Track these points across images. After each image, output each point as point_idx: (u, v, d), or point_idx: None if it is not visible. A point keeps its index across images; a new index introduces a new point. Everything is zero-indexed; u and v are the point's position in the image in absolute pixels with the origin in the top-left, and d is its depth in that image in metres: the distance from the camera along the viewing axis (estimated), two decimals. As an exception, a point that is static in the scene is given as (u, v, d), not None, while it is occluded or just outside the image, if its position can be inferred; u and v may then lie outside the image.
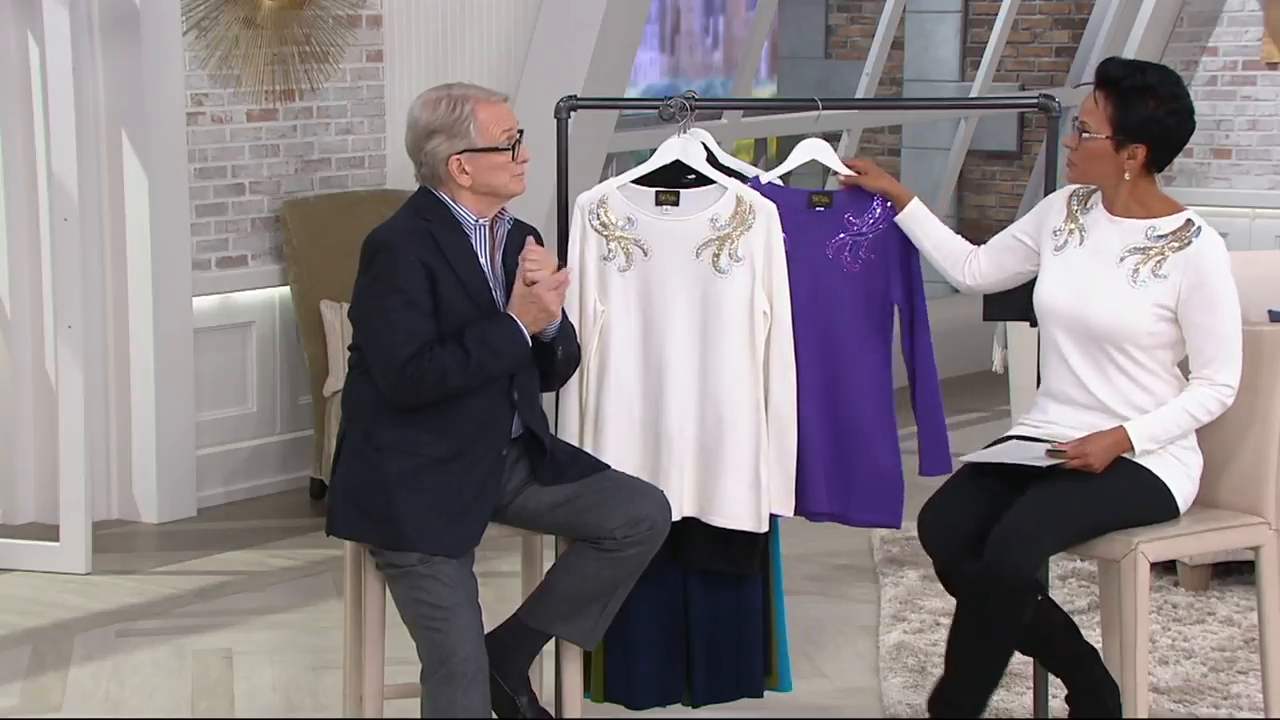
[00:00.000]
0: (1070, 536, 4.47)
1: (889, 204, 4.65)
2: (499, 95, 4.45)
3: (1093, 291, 4.44)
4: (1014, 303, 4.72)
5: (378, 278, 4.35)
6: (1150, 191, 4.47)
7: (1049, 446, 4.45)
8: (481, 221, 4.44)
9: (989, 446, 4.59)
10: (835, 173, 4.75)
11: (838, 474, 4.69)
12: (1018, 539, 4.36)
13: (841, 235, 4.66)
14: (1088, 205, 4.53)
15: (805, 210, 4.68)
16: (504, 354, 4.34)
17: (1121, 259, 4.43)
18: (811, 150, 4.79)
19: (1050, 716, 5.03)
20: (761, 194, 4.64)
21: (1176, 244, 4.40)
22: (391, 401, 4.34)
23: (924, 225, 4.68)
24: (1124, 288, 4.41)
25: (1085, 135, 4.41)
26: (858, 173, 4.72)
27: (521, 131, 4.46)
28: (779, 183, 4.75)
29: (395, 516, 4.32)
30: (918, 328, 4.68)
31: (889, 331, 4.69)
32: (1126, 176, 4.43)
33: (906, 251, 4.67)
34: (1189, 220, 4.44)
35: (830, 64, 12.74)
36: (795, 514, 4.72)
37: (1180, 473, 4.52)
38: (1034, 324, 4.66)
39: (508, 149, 4.40)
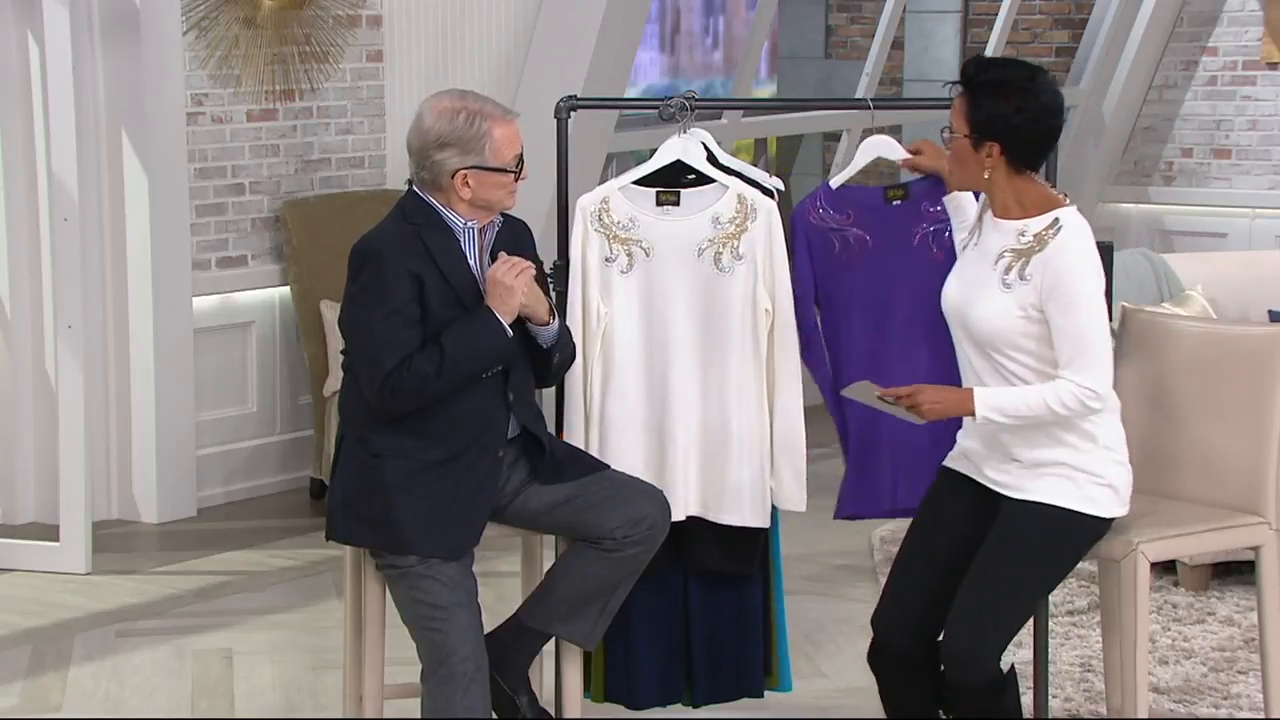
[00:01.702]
0: (1020, 619, 4.34)
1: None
2: (513, 113, 4.44)
3: (973, 294, 4.32)
4: None
5: (364, 288, 4.34)
6: (1028, 190, 4.30)
7: (878, 392, 4.32)
8: (470, 224, 4.44)
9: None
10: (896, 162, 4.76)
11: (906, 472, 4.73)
12: (972, 650, 4.25)
13: (923, 225, 4.67)
14: (986, 207, 4.42)
15: (883, 206, 4.68)
16: (482, 346, 4.32)
17: (996, 261, 4.29)
18: (877, 148, 4.75)
19: (1050, 717, 5.03)
20: (833, 198, 4.67)
21: (1039, 245, 4.24)
22: (381, 413, 4.33)
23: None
24: (996, 291, 4.27)
25: (949, 136, 4.32)
26: (915, 153, 4.72)
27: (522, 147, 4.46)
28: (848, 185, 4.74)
29: (393, 521, 4.32)
30: None
31: None
32: (986, 175, 4.26)
33: None
34: (1055, 219, 4.26)
35: (830, 64, 12.73)
36: (848, 516, 4.80)
37: (1076, 487, 4.30)
38: None
39: (514, 171, 4.40)
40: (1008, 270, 4.26)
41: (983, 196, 4.44)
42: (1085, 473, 4.30)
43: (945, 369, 4.51)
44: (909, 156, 4.71)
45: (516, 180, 4.42)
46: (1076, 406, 4.22)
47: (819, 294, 4.72)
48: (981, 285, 4.30)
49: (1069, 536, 4.32)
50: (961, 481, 4.41)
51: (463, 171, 4.36)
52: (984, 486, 4.37)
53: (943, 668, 4.35)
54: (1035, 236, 4.25)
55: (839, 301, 4.72)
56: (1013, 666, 4.45)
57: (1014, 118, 4.21)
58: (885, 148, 4.74)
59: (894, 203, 4.67)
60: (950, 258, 4.55)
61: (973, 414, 4.26)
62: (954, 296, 4.38)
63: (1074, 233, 4.24)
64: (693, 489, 4.65)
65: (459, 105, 4.38)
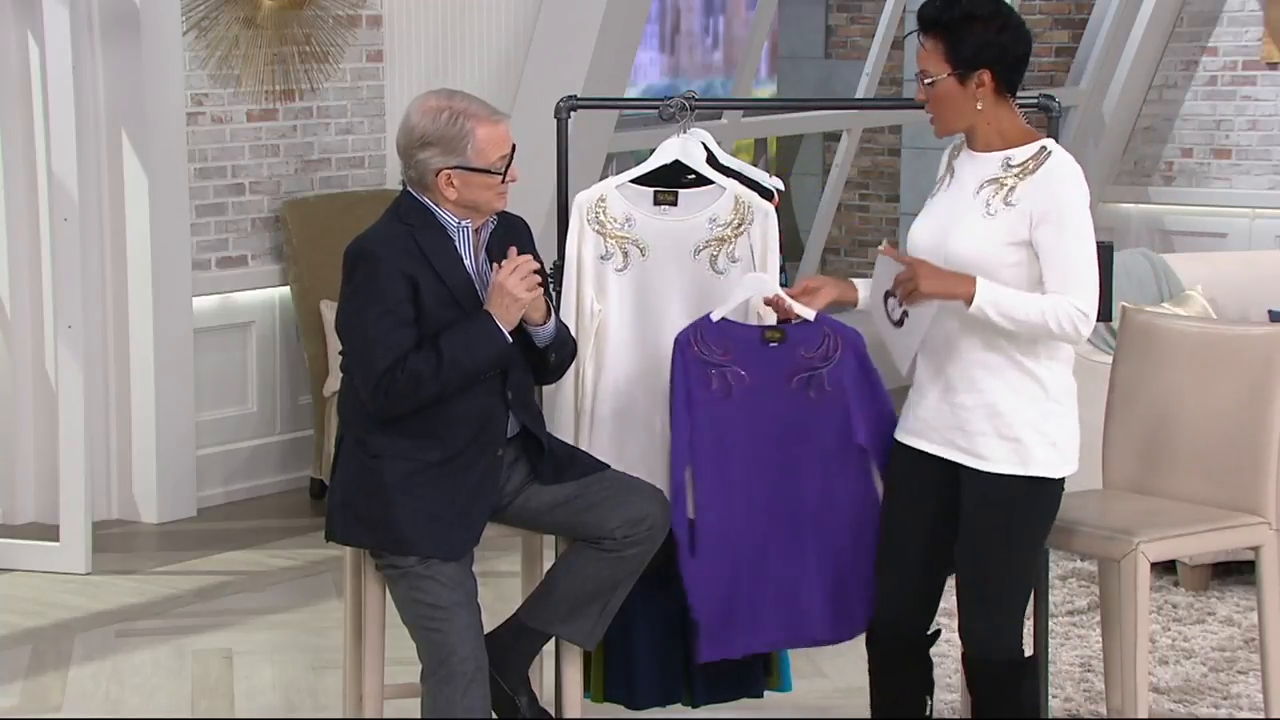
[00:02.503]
0: (1024, 589, 4.39)
1: (838, 336, 4.50)
2: (501, 115, 4.41)
3: (951, 226, 4.31)
4: None
5: (357, 289, 4.34)
6: (1010, 121, 4.32)
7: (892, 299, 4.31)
8: (464, 224, 4.43)
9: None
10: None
11: (790, 606, 4.61)
12: (993, 628, 4.33)
13: (801, 372, 4.52)
14: (958, 152, 4.44)
15: (760, 346, 4.52)
16: (480, 351, 4.32)
17: (977, 192, 4.31)
18: (753, 286, 4.57)
19: (1050, 717, 5.03)
20: (714, 331, 4.50)
21: (1026, 171, 4.27)
22: (376, 414, 4.33)
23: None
24: (977, 219, 4.27)
25: (928, 82, 4.30)
26: (805, 291, 4.51)
27: (514, 147, 4.44)
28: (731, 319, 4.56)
29: (392, 521, 4.32)
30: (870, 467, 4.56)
31: (859, 462, 4.54)
32: (980, 106, 4.28)
33: (866, 387, 4.53)
34: (1043, 147, 4.30)
35: (830, 64, 12.73)
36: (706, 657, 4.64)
37: (1027, 452, 4.27)
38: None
39: (499, 173, 4.39)
40: (990, 198, 4.27)
41: (950, 146, 4.46)
42: (1036, 432, 4.28)
43: (829, 504, 4.54)
44: (778, 296, 4.51)
45: (503, 182, 4.40)
46: (1069, 327, 4.20)
47: (694, 425, 4.53)
48: (959, 217, 4.31)
49: (1034, 503, 4.33)
50: (915, 455, 4.42)
51: (446, 171, 4.35)
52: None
53: (964, 651, 4.39)
54: (1021, 165, 4.27)
55: (714, 436, 4.55)
56: (1035, 655, 4.51)
57: (1001, 38, 4.25)
58: (759, 286, 4.52)
59: (770, 344, 4.50)
60: (828, 399, 4.49)
61: (970, 299, 4.20)
62: (925, 236, 4.35)
63: (1063, 158, 4.29)
64: (686, 492, 4.64)
65: (444, 104, 4.37)
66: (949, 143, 4.47)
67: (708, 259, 4.65)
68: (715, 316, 4.52)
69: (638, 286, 4.67)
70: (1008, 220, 4.24)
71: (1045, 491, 4.31)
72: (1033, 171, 4.26)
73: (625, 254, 4.67)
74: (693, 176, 4.69)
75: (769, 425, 4.53)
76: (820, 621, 4.60)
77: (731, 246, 4.63)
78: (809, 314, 4.46)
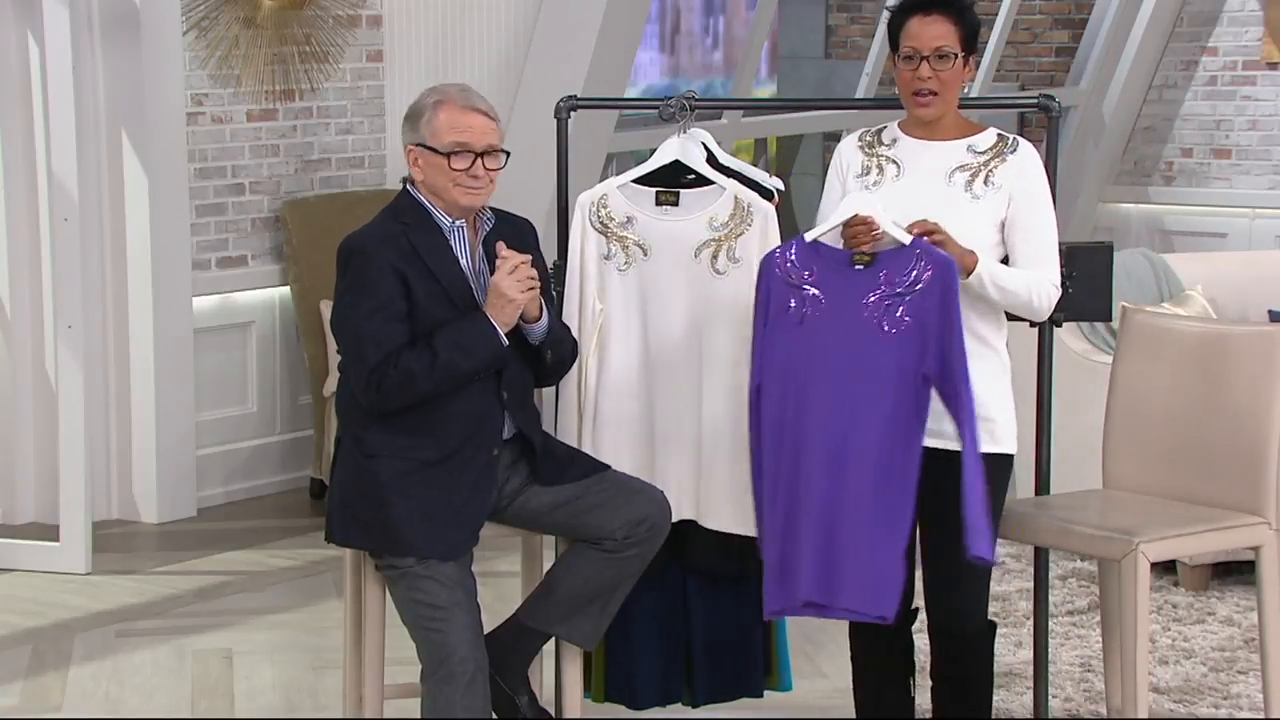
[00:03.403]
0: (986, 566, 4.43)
1: (929, 262, 4.30)
2: (477, 107, 4.39)
3: (931, 211, 4.34)
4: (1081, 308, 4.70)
5: (349, 285, 4.35)
6: (956, 109, 4.46)
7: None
8: (458, 223, 4.43)
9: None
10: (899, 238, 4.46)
11: (825, 561, 4.40)
12: (965, 600, 4.41)
13: (877, 290, 4.35)
14: (883, 139, 4.47)
15: (846, 269, 4.37)
16: (476, 352, 4.31)
17: (950, 178, 4.39)
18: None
19: (1050, 717, 5.03)
20: (804, 252, 4.39)
21: (1000, 156, 4.39)
22: (368, 409, 4.33)
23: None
24: (965, 204, 4.36)
25: (946, 57, 4.32)
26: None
27: (508, 154, 4.41)
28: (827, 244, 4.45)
29: (389, 522, 4.32)
30: (963, 397, 4.31)
31: (924, 410, 4.35)
32: (965, 89, 4.43)
33: (945, 315, 4.32)
34: (1000, 134, 4.43)
35: (830, 64, 12.73)
36: (770, 610, 4.48)
37: (993, 426, 4.38)
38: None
39: (445, 155, 4.36)
40: (970, 181, 4.37)
41: (844, 152, 4.50)
42: (1002, 410, 4.40)
43: (877, 439, 4.35)
44: (869, 218, 4.44)
45: (453, 168, 4.33)
46: (1045, 302, 4.40)
47: (767, 344, 4.44)
48: (940, 202, 4.36)
49: (1002, 477, 4.44)
50: None
51: (410, 148, 4.39)
52: None
53: (934, 622, 4.47)
54: (989, 150, 4.40)
55: (782, 360, 4.42)
56: (993, 621, 4.58)
57: (979, 27, 4.41)
58: (861, 206, 4.37)
59: (856, 267, 4.38)
60: (903, 335, 4.33)
61: (972, 268, 4.31)
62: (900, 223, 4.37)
63: (1029, 146, 4.44)
64: (686, 492, 4.65)
65: (434, 86, 4.46)
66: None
67: (708, 259, 4.65)
68: (809, 237, 4.42)
69: (639, 286, 4.67)
70: (993, 202, 4.37)
71: (1007, 465, 4.46)
72: (1007, 155, 4.39)
73: (627, 253, 4.67)
74: (693, 177, 4.69)
75: (834, 358, 4.37)
76: (852, 589, 4.38)
77: (732, 247, 4.63)
78: (904, 238, 4.33)
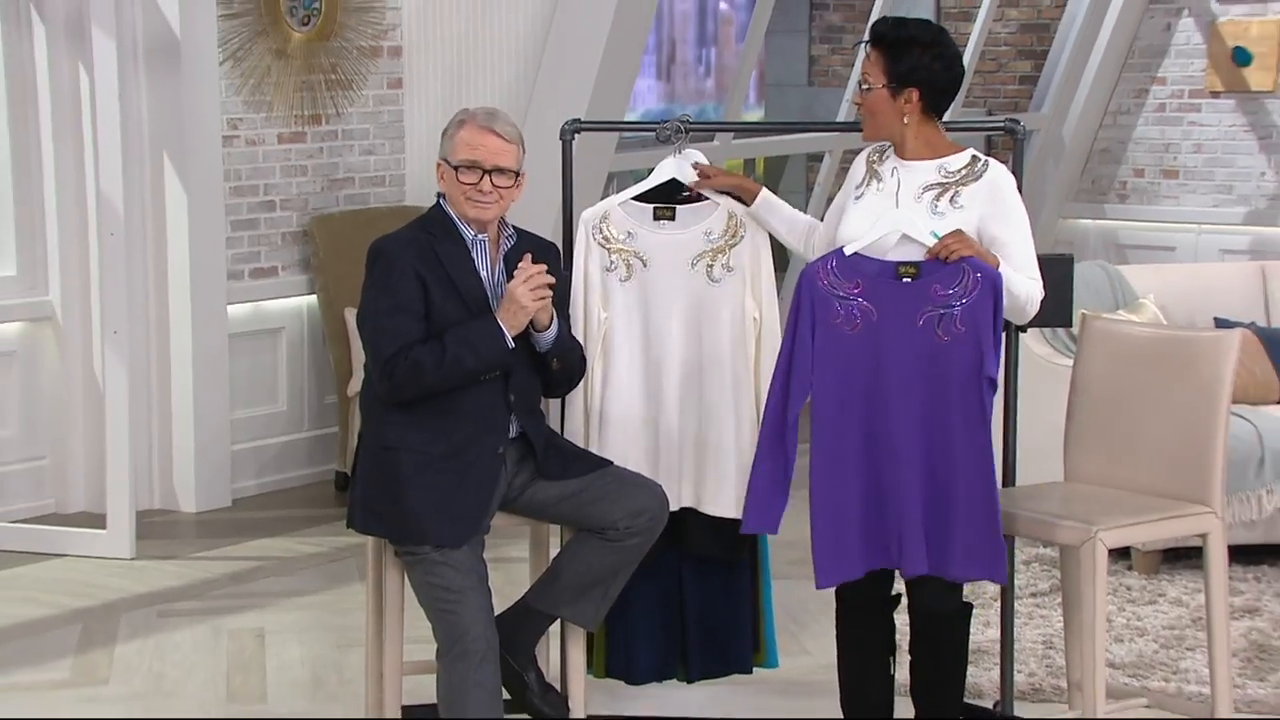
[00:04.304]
0: None
1: (978, 274, 4.27)
2: (495, 128, 4.36)
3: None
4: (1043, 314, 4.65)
5: (374, 283, 4.34)
6: (935, 135, 4.42)
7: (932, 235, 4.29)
8: (481, 236, 4.40)
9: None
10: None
11: (938, 540, 4.33)
12: (941, 587, 4.40)
13: (930, 307, 4.28)
14: (884, 158, 4.49)
15: (893, 281, 4.29)
16: (482, 351, 4.29)
17: (919, 196, 4.38)
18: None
19: (1015, 690, 5.00)
20: (845, 265, 4.31)
21: (970, 177, 4.37)
22: (383, 398, 4.31)
23: (776, 211, 4.63)
24: (925, 218, 4.34)
25: (866, 89, 4.38)
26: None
27: (519, 173, 4.38)
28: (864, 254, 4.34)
29: (403, 513, 4.30)
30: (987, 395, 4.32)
31: (989, 409, 4.31)
32: (906, 120, 4.38)
33: (997, 322, 4.29)
34: (974, 155, 4.41)
35: (813, 91, 12.70)
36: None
37: None
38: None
39: (454, 168, 4.34)
40: (937, 199, 4.36)
41: (860, 160, 4.51)
42: None
43: (936, 444, 4.30)
44: (696, 179, 4.62)
45: (463, 182, 4.32)
46: (1035, 304, 4.42)
47: (817, 356, 4.33)
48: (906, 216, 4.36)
49: None
50: None
51: (439, 161, 4.39)
52: None
53: (915, 604, 4.44)
54: (959, 171, 4.39)
55: (838, 369, 4.33)
56: (969, 603, 4.56)
57: (932, 65, 4.36)
58: (898, 223, 4.34)
59: (904, 279, 4.30)
60: (959, 339, 4.28)
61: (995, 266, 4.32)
62: (863, 232, 4.35)
63: (999, 165, 4.43)
64: (686, 482, 4.63)
65: (467, 108, 4.46)
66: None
67: (704, 269, 4.62)
68: (848, 250, 4.33)
69: (640, 295, 4.64)
70: (956, 219, 4.35)
71: None
72: (975, 178, 4.38)
73: (628, 265, 4.65)
74: (689, 193, 4.67)
75: (894, 363, 4.29)
76: (916, 557, 4.33)
77: (726, 257, 4.61)
78: (715, 196, 4.52)
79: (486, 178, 4.34)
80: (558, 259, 4.51)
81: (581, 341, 4.59)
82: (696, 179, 4.65)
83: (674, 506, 4.57)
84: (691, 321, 4.61)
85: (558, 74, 7.69)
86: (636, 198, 4.68)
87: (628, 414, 4.63)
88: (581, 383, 4.63)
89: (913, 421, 4.30)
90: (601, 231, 4.65)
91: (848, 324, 4.32)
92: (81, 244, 7.15)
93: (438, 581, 4.28)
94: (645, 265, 4.64)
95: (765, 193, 4.66)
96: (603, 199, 4.88)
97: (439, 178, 4.41)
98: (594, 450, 4.60)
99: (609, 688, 4.89)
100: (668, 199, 4.67)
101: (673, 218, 4.65)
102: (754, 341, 4.62)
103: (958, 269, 4.28)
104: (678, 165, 4.68)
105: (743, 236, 4.60)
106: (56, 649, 5.68)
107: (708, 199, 4.65)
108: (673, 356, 4.62)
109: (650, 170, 4.76)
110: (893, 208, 4.37)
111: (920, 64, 4.35)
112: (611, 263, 4.64)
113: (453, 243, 4.37)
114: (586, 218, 4.66)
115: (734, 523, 4.64)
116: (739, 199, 4.66)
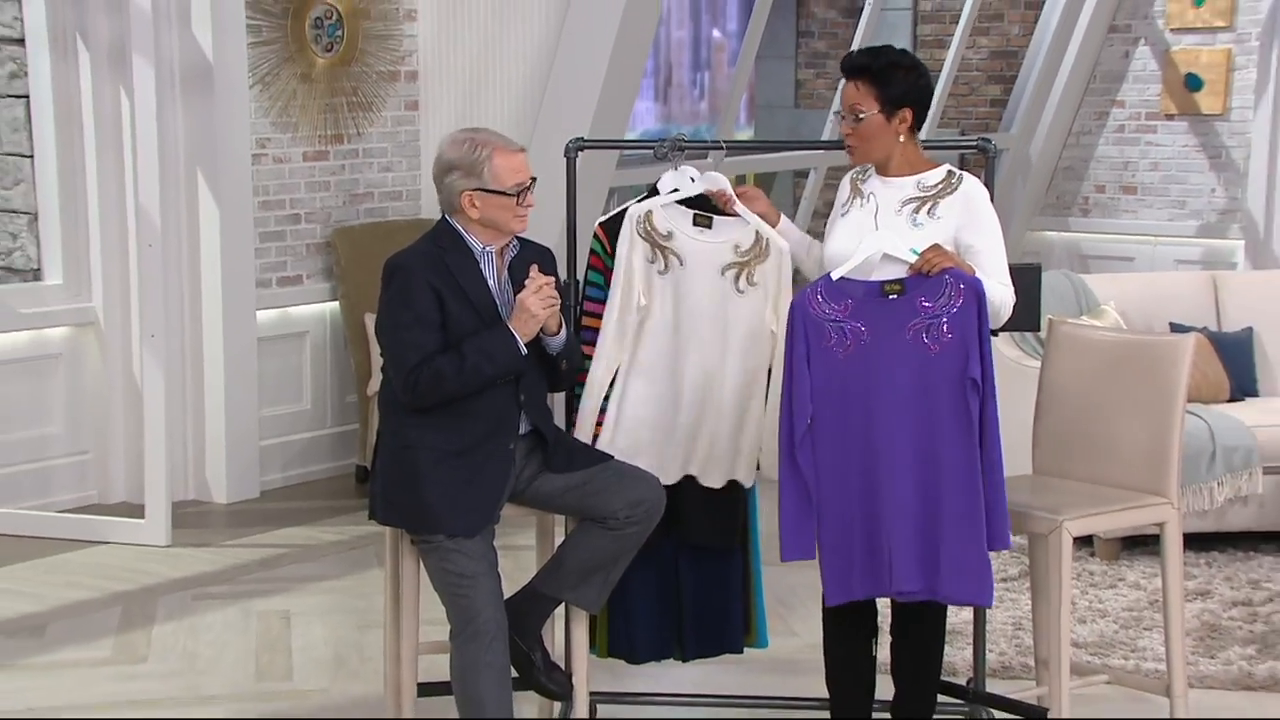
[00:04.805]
0: None
1: (960, 284, 4.22)
2: (517, 146, 4.38)
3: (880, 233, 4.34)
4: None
5: (392, 298, 4.31)
6: (915, 153, 4.42)
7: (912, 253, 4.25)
8: (489, 249, 4.39)
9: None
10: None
11: (927, 557, 4.24)
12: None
13: (917, 319, 4.21)
14: (865, 177, 4.48)
15: (879, 299, 4.23)
16: (498, 358, 4.28)
17: (899, 210, 4.37)
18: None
19: (987, 668, 4.98)
20: (832, 289, 4.24)
21: (947, 190, 4.36)
22: (405, 405, 4.29)
23: (788, 234, 4.63)
24: (905, 228, 4.34)
25: (859, 118, 4.35)
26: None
27: (534, 179, 4.39)
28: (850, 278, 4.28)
29: (420, 505, 4.28)
30: (987, 400, 4.22)
31: (975, 412, 4.22)
32: (901, 139, 4.38)
33: (982, 326, 4.22)
34: (950, 170, 4.41)
35: (799, 112, 12.70)
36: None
37: None
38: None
39: (514, 195, 4.34)
40: (915, 212, 4.35)
41: (845, 181, 4.49)
42: None
43: (930, 458, 4.22)
44: (731, 198, 4.57)
45: (519, 204, 4.34)
46: (1008, 309, 4.38)
47: (814, 379, 4.24)
48: (888, 229, 4.33)
49: None
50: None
51: (468, 193, 4.32)
52: None
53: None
54: (935, 185, 4.38)
55: (837, 389, 4.25)
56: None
57: (918, 83, 4.39)
58: (880, 244, 4.28)
59: (890, 296, 4.24)
60: (948, 346, 4.21)
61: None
62: (847, 245, 4.35)
63: (973, 179, 4.42)
64: (692, 456, 4.60)
65: (467, 137, 4.37)
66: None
67: (732, 278, 4.62)
68: (835, 275, 4.28)
69: (675, 290, 4.63)
70: (934, 229, 4.34)
71: None
72: (951, 191, 4.37)
73: (667, 261, 4.63)
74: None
75: (887, 377, 4.22)
76: (908, 575, 4.24)
77: (751, 272, 4.60)
78: (748, 215, 4.52)
79: (530, 191, 4.36)
80: (553, 261, 4.50)
81: (617, 322, 4.56)
82: (732, 195, 4.59)
83: (677, 476, 4.58)
84: (718, 320, 4.60)
85: (562, 96, 7.68)
86: (680, 202, 4.65)
87: (649, 390, 4.60)
88: (606, 360, 4.58)
89: (907, 436, 4.23)
90: (645, 226, 4.63)
91: (840, 347, 4.26)
92: (122, 255, 7.15)
93: (451, 568, 4.27)
94: (682, 264, 4.63)
95: (784, 220, 4.67)
96: (604, 213, 4.85)
97: (468, 205, 4.32)
98: (611, 418, 4.58)
99: (610, 666, 4.88)
100: (708, 207, 4.65)
101: (710, 225, 4.64)
102: (771, 352, 4.61)
103: (940, 281, 4.23)
104: (675, 179, 4.67)
105: (768, 257, 4.60)
106: (99, 629, 5.67)
107: (739, 215, 4.62)
108: (698, 346, 4.60)
109: (649, 185, 4.74)
110: (873, 228, 4.35)
111: (909, 84, 4.36)
112: (653, 255, 4.63)
113: (462, 255, 4.35)
114: (633, 213, 4.64)
115: (727, 509, 4.63)
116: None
